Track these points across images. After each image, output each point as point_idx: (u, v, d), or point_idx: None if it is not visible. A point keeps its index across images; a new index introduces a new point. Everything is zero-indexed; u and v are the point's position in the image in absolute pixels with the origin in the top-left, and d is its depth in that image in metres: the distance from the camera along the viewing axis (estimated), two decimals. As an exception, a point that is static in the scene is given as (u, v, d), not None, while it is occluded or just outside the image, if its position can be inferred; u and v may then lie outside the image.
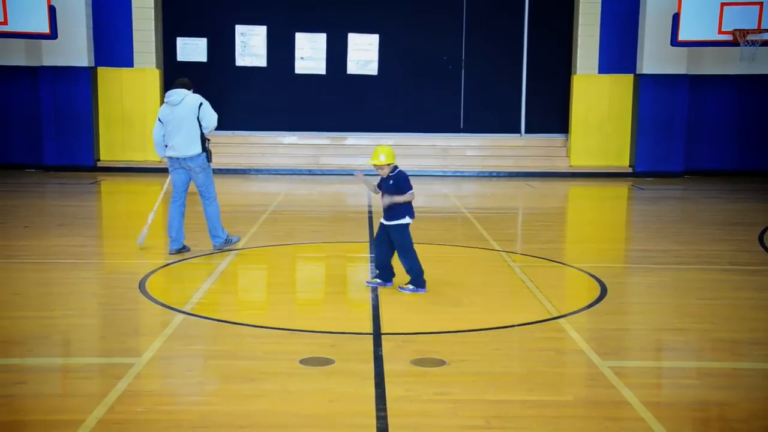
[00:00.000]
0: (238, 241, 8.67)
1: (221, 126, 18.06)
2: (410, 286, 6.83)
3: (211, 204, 8.42)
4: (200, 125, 8.25)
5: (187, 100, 8.22)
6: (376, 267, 7.03)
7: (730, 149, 17.16)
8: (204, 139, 8.29)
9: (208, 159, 8.35)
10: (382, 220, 6.91)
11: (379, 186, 6.92)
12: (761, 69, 16.01)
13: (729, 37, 14.64)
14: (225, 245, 8.49)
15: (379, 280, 6.97)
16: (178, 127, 8.16)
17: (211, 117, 8.30)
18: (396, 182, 6.79)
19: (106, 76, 16.45)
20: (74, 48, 15.93)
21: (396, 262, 6.95)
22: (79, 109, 16.20)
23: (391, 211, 6.83)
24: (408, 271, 6.86)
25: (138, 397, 4.46)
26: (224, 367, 4.92)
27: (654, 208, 12.60)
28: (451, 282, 7.17)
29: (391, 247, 6.91)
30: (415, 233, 7.00)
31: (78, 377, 4.83)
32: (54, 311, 6.20)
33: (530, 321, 5.98)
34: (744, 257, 8.56)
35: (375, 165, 6.78)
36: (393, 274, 6.98)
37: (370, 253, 8.44)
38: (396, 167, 6.84)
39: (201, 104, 8.24)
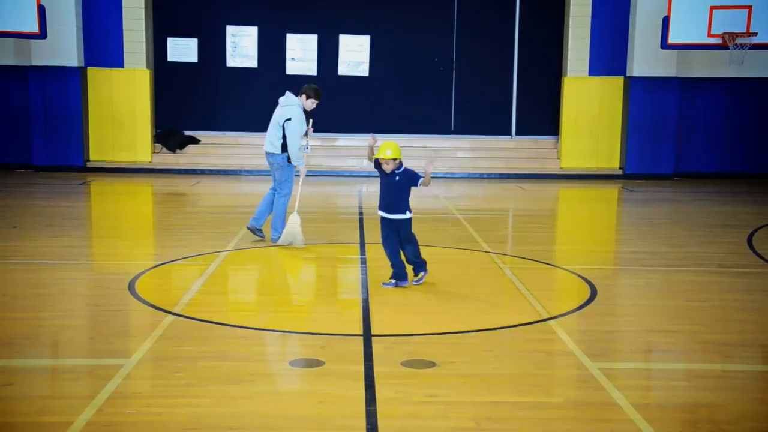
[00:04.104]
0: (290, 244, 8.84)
1: (212, 127, 18.08)
2: (421, 274, 7.00)
3: (279, 199, 8.94)
4: (284, 132, 8.76)
5: (284, 109, 8.83)
6: (393, 266, 7.02)
7: (719, 152, 17.23)
8: (286, 143, 8.76)
9: (288, 159, 8.80)
10: (387, 215, 6.93)
11: (377, 167, 7.00)
12: (750, 72, 16.09)
13: (718, 41, 14.71)
14: (283, 242, 8.82)
15: (394, 281, 6.99)
16: (271, 125, 8.88)
17: (290, 141, 8.72)
18: (406, 178, 6.88)
19: (96, 76, 16.39)
20: (64, 48, 15.87)
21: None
22: (69, 109, 16.14)
23: (394, 205, 6.90)
24: (413, 259, 6.98)
25: (127, 398, 4.44)
26: (214, 369, 4.91)
27: (644, 210, 12.65)
28: (442, 284, 7.17)
29: (398, 241, 6.97)
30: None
31: (67, 379, 4.81)
32: (43, 312, 6.17)
33: (520, 323, 5.99)
34: (733, 259, 8.60)
35: (381, 160, 6.81)
36: (406, 271, 7.03)
37: (361, 254, 8.45)
38: (401, 164, 6.88)
39: (288, 120, 8.71)
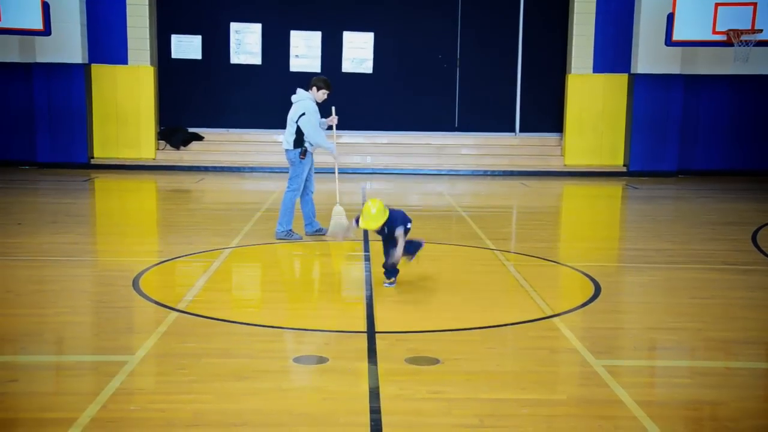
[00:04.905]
0: (300, 239, 8.99)
1: (216, 123, 18.09)
2: (392, 279, 6.89)
3: (287, 194, 9.02)
4: (299, 128, 8.87)
5: (296, 105, 8.93)
6: (389, 268, 6.96)
7: (723, 149, 17.20)
8: (300, 139, 8.86)
9: (301, 155, 8.88)
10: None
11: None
12: (755, 69, 16.04)
13: (723, 38, 14.68)
14: (286, 237, 8.96)
15: (393, 278, 6.99)
16: (287, 123, 8.97)
17: (308, 133, 8.85)
18: (390, 224, 6.69)
19: (100, 73, 16.40)
20: (68, 45, 15.88)
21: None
22: (73, 106, 16.16)
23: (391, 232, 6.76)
24: (388, 268, 6.86)
25: (131, 395, 4.45)
26: (218, 365, 4.91)
27: (648, 208, 12.63)
28: (445, 280, 7.17)
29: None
30: (410, 232, 7.01)
31: (71, 375, 4.82)
32: (47, 309, 6.18)
33: (524, 320, 5.99)
34: (737, 256, 8.59)
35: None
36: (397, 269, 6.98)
37: (365, 251, 8.44)
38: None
39: (302, 115, 8.82)
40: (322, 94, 8.95)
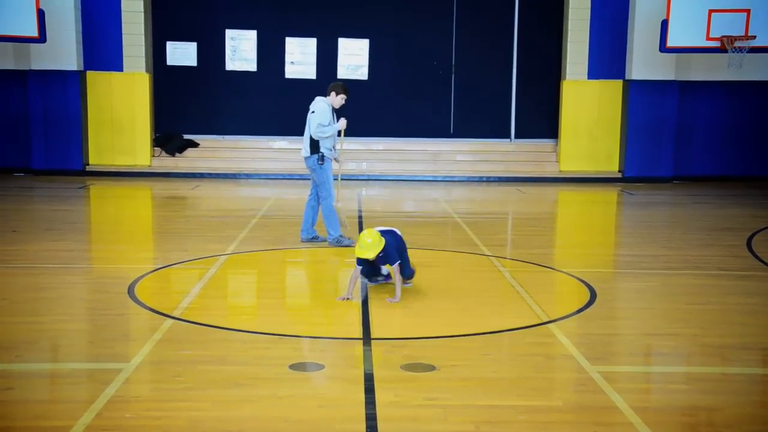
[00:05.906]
0: (351, 244, 8.86)
1: (211, 130, 18.09)
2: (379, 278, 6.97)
3: (323, 202, 9.04)
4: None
5: (311, 109, 8.96)
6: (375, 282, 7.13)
7: (718, 155, 17.26)
8: (316, 143, 8.88)
9: (319, 161, 8.86)
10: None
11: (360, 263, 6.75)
12: (749, 75, 16.12)
13: (717, 44, 14.74)
14: (336, 244, 8.98)
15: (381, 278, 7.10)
16: (305, 131, 9.00)
17: (312, 125, 8.87)
18: (385, 255, 6.64)
19: (96, 80, 16.41)
20: (63, 52, 15.89)
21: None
22: (68, 113, 16.16)
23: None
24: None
25: (126, 402, 4.44)
26: (213, 373, 4.91)
27: (643, 214, 12.65)
28: (441, 287, 7.17)
29: None
30: (405, 238, 7.02)
31: (66, 383, 4.81)
32: (42, 316, 6.16)
33: (520, 326, 5.99)
34: (733, 262, 8.60)
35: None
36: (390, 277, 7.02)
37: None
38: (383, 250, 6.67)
39: (311, 113, 8.90)
40: (340, 99, 8.97)
